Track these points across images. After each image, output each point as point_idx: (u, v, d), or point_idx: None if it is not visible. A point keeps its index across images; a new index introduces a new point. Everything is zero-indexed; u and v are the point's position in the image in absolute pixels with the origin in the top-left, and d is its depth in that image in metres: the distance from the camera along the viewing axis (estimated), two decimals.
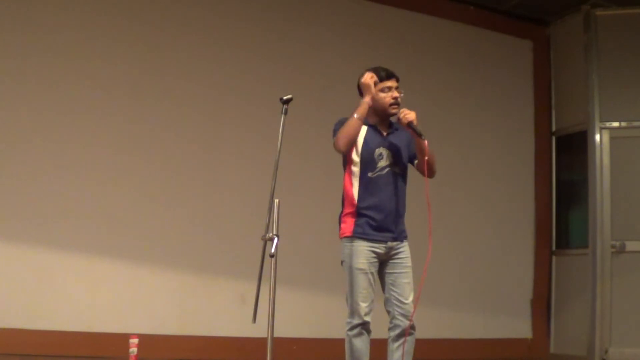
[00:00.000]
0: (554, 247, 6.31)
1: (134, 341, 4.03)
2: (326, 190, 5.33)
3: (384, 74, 3.28)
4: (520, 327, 6.11)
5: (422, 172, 3.30)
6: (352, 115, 3.22)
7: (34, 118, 4.66)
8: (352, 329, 3.20)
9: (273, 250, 2.97)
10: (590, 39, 5.89)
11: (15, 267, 4.50)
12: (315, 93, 5.34)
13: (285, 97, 3.19)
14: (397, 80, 3.31)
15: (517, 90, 6.44)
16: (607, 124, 5.75)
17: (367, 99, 3.24)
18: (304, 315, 5.15)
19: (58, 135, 4.71)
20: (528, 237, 6.29)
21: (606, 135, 5.74)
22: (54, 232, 4.63)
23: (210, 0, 5.31)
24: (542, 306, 6.17)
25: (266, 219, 3.06)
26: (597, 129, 5.75)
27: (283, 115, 3.19)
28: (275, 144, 3.16)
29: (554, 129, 6.46)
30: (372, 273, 3.23)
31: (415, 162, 3.35)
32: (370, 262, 3.23)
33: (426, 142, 3.19)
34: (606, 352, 5.43)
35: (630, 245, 5.55)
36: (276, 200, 3.05)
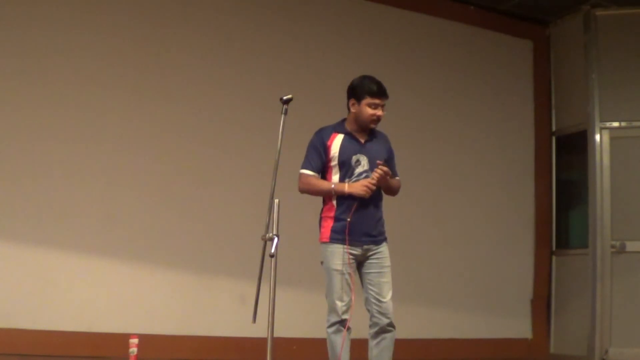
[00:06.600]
0: (554, 247, 6.30)
1: (134, 341, 4.03)
2: None
3: (376, 90, 3.37)
4: (520, 327, 6.11)
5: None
6: (332, 186, 3.35)
7: (33, 118, 4.65)
8: (331, 326, 3.31)
9: (273, 250, 2.98)
10: (590, 39, 5.89)
11: (15, 267, 4.49)
12: (315, 93, 5.33)
13: (285, 97, 3.21)
14: (387, 98, 3.40)
15: (517, 90, 6.43)
16: (607, 124, 5.75)
17: (347, 190, 3.32)
18: (304, 315, 5.14)
19: (58, 135, 4.70)
20: (528, 237, 6.28)
21: (606, 135, 5.74)
22: (54, 232, 4.62)
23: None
24: (542, 306, 6.16)
25: (266, 219, 3.07)
26: (597, 129, 5.75)
27: (283, 115, 3.20)
28: (275, 144, 3.16)
29: (554, 129, 6.45)
30: (348, 274, 3.32)
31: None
32: (347, 263, 3.31)
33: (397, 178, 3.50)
34: (606, 352, 5.43)
35: (630, 245, 5.55)
36: (276, 200, 3.06)
